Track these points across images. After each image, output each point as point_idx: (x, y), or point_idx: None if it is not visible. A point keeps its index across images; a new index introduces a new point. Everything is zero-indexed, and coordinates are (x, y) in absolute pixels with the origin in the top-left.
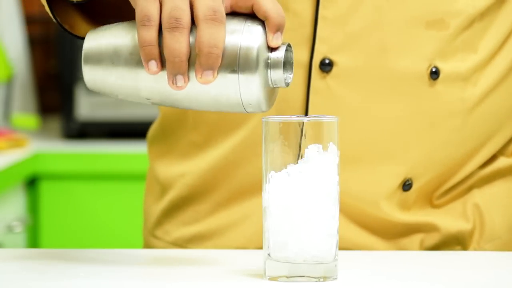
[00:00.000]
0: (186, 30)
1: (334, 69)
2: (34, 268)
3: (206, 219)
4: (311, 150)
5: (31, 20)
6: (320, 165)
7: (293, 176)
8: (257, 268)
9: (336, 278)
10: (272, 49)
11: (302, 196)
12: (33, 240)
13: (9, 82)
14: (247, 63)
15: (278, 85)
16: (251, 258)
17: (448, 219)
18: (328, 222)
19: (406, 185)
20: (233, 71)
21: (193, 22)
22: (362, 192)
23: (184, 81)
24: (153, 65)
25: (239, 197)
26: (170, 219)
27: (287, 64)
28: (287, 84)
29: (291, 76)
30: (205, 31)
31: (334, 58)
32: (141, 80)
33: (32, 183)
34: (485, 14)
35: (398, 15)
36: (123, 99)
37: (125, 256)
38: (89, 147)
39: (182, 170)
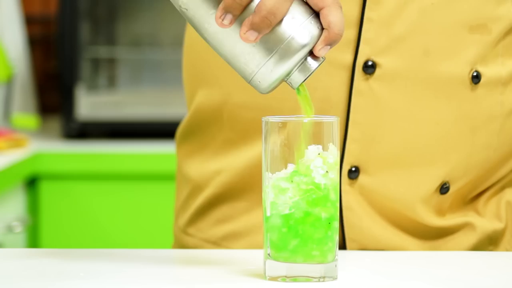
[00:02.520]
0: None
1: (377, 71)
2: (34, 268)
3: (241, 217)
4: (311, 150)
5: (31, 20)
6: (320, 165)
7: (293, 177)
8: (257, 268)
9: (336, 278)
10: (311, 54)
11: (302, 196)
12: (33, 240)
13: (9, 82)
14: (286, 53)
15: (290, 84)
16: (251, 258)
17: (484, 220)
18: (328, 221)
19: (444, 188)
20: (271, 50)
21: None
22: (400, 193)
23: (230, 22)
24: None
25: None
26: (204, 218)
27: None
28: (296, 87)
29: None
30: None
31: (377, 60)
32: None
33: (32, 183)
34: None
35: (442, 19)
36: None
37: (125, 256)
38: (89, 147)
39: (218, 167)
